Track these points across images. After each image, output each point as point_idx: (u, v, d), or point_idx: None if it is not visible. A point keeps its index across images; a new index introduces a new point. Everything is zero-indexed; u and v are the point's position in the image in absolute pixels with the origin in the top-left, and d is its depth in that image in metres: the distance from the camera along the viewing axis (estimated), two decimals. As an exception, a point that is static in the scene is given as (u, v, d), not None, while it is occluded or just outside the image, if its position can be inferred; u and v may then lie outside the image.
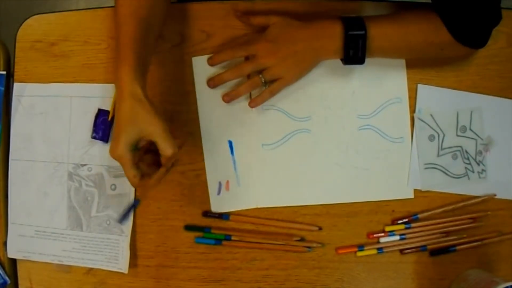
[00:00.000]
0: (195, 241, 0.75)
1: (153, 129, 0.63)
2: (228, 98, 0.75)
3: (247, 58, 0.75)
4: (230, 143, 0.76)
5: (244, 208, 0.76)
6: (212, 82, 0.75)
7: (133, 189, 0.75)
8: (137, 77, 0.64)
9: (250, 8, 0.76)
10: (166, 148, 0.63)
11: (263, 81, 0.73)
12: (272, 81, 0.73)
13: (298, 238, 0.75)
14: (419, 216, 0.76)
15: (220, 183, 0.76)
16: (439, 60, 0.77)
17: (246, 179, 0.76)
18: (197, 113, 0.76)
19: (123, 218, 0.71)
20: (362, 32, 0.69)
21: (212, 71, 0.76)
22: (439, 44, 0.70)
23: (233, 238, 0.75)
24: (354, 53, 0.70)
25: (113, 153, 0.63)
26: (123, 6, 0.66)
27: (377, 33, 0.69)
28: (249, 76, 0.75)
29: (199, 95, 0.76)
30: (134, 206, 0.74)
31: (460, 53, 0.74)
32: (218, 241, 0.75)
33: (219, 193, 0.76)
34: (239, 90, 0.74)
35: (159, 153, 0.64)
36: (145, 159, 0.67)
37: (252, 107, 0.75)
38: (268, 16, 0.74)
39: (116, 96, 0.66)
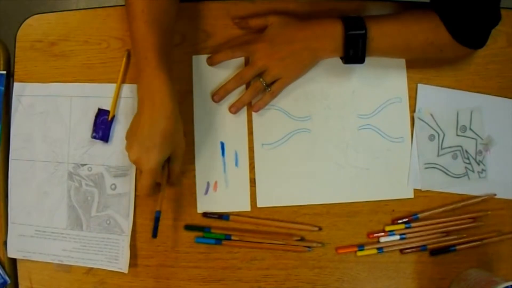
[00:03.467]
0: (195, 241, 0.75)
1: (180, 151, 0.68)
2: (235, 109, 0.75)
3: (247, 61, 0.75)
4: (222, 144, 0.76)
5: (229, 210, 0.76)
6: (218, 96, 0.75)
7: (133, 188, 0.75)
8: (173, 93, 0.65)
9: (250, 8, 0.76)
10: (177, 167, 0.69)
11: (264, 85, 0.73)
12: (273, 83, 0.73)
13: (298, 238, 0.75)
14: (419, 215, 0.76)
15: (208, 183, 0.76)
16: (439, 60, 0.77)
17: (235, 181, 0.76)
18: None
19: (154, 231, 0.70)
20: (362, 32, 0.69)
21: (211, 71, 0.76)
22: (439, 45, 0.70)
23: (233, 237, 0.75)
24: (354, 52, 0.70)
25: (146, 165, 0.64)
26: (144, 12, 0.66)
27: (377, 33, 0.69)
28: (249, 84, 0.75)
29: (195, 94, 0.76)
30: (158, 218, 0.71)
31: (459, 54, 0.74)
32: (218, 241, 0.75)
33: (206, 193, 0.76)
34: (243, 99, 0.75)
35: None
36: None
37: (255, 111, 0.75)
38: (266, 16, 0.74)
39: (144, 101, 0.65)
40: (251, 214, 0.76)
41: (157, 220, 0.70)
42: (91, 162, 0.76)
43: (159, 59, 0.65)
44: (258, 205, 0.76)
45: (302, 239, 0.75)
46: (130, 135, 0.66)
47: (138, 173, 0.68)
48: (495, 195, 0.77)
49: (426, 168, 0.77)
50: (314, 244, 0.75)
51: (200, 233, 0.76)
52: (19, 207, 0.77)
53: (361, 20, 0.69)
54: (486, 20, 0.68)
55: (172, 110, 0.64)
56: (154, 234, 0.70)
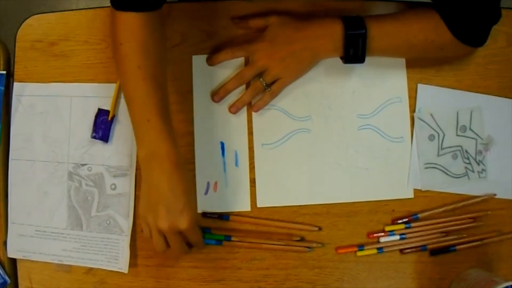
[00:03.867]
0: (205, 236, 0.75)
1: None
2: (235, 109, 0.75)
3: (247, 61, 0.75)
4: (222, 144, 0.76)
5: (229, 210, 0.76)
6: (218, 96, 0.75)
7: (133, 189, 0.75)
8: (179, 152, 0.64)
9: (250, 8, 0.77)
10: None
11: (264, 85, 0.73)
12: (273, 83, 0.73)
13: (298, 238, 0.75)
14: (419, 215, 0.76)
15: (208, 183, 0.76)
16: (439, 60, 0.77)
17: (235, 181, 0.76)
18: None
19: None
20: (362, 31, 0.69)
21: (211, 70, 0.76)
22: (439, 43, 0.70)
23: (233, 239, 0.74)
24: (354, 52, 0.70)
25: (186, 224, 0.63)
26: (141, 69, 0.63)
27: (378, 32, 0.69)
28: (249, 84, 0.75)
29: (196, 94, 0.76)
30: None
31: (459, 52, 0.74)
32: (218, 242, 0.75)
33: (206, 193, 0.76)
34: (243, 99, 0.75)
35: None
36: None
37: (255, 111, 0.76)
38: (266, 16, 0.74)
39: (152, 167, 0.63)
40: (251, 214, 0.76)
41: None
42: (91, 162, 0.76)
43: (163, 120, 0.63)
44: (258, 205, 0.76)
45: (302, 239, 0.75)
46: (151, 207, 0.64)
47: (160, 238, 0.66)
48: (495, 195, 0.77)
49: (426, 168, 0.77)
50: (314, 244, 0.75)
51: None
52: (19, 207, 0.77)
53: (361, 19, 0.69)
54: (487, 18, 0.68)
55: (184, 170, 0.64)
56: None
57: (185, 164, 0.66)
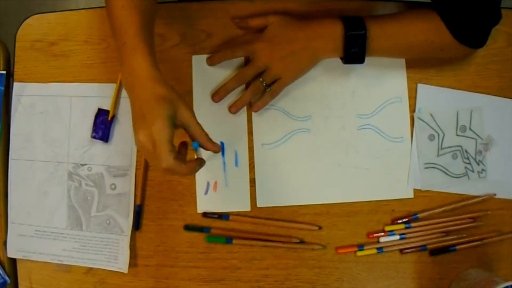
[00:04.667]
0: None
1: (187, 112, 0.61)
2: (235, 108, 0.75)
3: (247, 61, 0.75)
4: (222, 144, 0.76)
5: (229, 210, 0.76)
6: (217, 96, 0.75)
7: (132, 189, 0.75)
8: (156, 64, 0.61)
9: (250, 8, 0.77)
10: (196, 129, 0.63)
11: (264, 85, 0.73)
12: (273, 83, 0.73)
13: (298, 240, 0.75)
14: (419, 215, 0.76)
15: (208, 183, 0.76)
16: (439, 60, 0.77)
17: (235, 181, 0.76)
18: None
19: (136, 223, 0.75)
20: (362, 32, 0.69)
21: (211, 70, 0.76)
22: (439, 44, 0.70)
23: (234, 242, 0.75)
24: (354, 53, 0.70)
25: (159, 134, 0.57)
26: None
27: (377, 33, 0.69)
28: (249, 84, 0.75)
29: (195, 94, 0.76)
30: (138, 211, 0.75)
31: (459, 53, 0.74)
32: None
33: (206, 192, 0.76)
34: (243, 98, 0.75)
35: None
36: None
37: (255, 111, 0.75)
38: (266, 16, 0.74)
39: (131, 86, 0.60)
40: (251, 214, 0.76)
41: (137, 213, 0.75)
42: (91, 162, 0.76)
43: (137, 41, 0.60)
44: (258, 205, 0.76)
45: (302, 241, 0.75)
46: (133, 128, 0.60)
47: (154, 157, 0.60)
48: (495, 195, 0.77)
49: (426, 168, 0.77)
50: (316, 246, 0.75)
51: (201, 234, 0.75)
52: (19, 207, 0.77)
53: (361, 20, 0.69)
54: (487, 20, 0.68)
55: (151, 76, 0.60)
56: (136, 227, 0.75)
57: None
